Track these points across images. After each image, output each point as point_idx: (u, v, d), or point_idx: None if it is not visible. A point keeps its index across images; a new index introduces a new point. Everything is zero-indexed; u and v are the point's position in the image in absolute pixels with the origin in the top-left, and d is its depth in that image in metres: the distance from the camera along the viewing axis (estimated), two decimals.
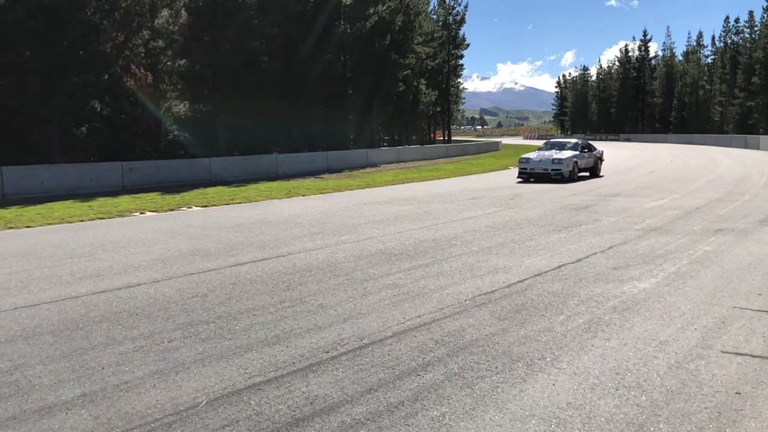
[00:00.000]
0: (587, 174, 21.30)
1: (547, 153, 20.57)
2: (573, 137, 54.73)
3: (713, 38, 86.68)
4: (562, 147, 21.36)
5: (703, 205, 12.98)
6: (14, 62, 22.50)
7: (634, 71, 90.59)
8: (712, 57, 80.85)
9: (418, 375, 4.01)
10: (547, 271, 6.90)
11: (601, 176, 21.56)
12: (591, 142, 25.51)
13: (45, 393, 3.80)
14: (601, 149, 23.32)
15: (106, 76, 25.96)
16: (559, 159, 19.75)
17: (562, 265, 7.19)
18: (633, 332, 4.83)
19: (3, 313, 5.46)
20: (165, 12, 30.45)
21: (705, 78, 79.10)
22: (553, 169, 19.50)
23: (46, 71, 22.83)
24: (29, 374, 4.09)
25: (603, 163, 22.81)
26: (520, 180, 20.08)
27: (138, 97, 27.20)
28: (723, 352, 4.41)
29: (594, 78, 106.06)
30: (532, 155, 20.60)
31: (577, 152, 20.65)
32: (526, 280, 6.53)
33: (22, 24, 22.13)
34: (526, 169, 20.09)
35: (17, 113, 23.16)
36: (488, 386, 3.83)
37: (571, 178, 19.61)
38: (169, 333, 4.89)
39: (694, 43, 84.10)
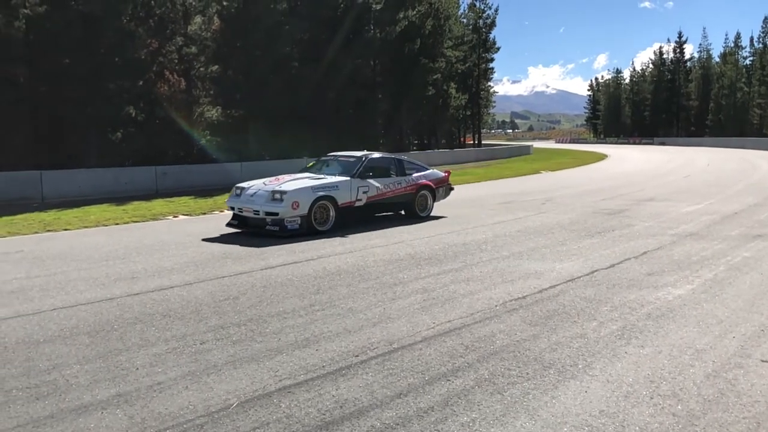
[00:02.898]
0: (402, 212, 12.06)
1: (282, 179, 11.08)
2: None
3: (752, 39, 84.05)
4: (334, 167, 11.68)
5: (742, 210, 12.64)
6: (54, 69, 23.15)
7: (668, 73, 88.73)
8: (751, 58, 78.63)
9: (448, 380, 3.99)
10: (579, 277, 6.80)
11: (441, 217, 12.06)
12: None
13: (81, 392, 3.88)
14: (443, 173, 12.83)
15: (141, 82, 26.52)
16: (281, 193, 10.09)
17: (595, 271, 7.09)
18: (668, 340, 4.73)
19: (42, 314, 5.61)
20: (198, 19, 31.00)
21: (743, 80, 76.93)
22: (267, 212, 10.07)
23: (83, 78, 23.40)
24: (66, 374, 4.19)
25: (447, 194, 12.88)
26: (231, 228, 10.80)
27: (172, 114, 27.81)
28: (762, 361, 4.29)
29: (627, 81, 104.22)
30: (251, 184, 11.10)
31: (345, 179, 10.91)
32: (557, 285, 6.45)
33: (61, 32, 22.77)
34: (234, 207, 10.80)
35: (56, 119, 23.83)
36: (519, 392, 3.79)
37: (303, 228, 10.00)
38: (201, 335, 4.96)
39: (732, 45, 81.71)
